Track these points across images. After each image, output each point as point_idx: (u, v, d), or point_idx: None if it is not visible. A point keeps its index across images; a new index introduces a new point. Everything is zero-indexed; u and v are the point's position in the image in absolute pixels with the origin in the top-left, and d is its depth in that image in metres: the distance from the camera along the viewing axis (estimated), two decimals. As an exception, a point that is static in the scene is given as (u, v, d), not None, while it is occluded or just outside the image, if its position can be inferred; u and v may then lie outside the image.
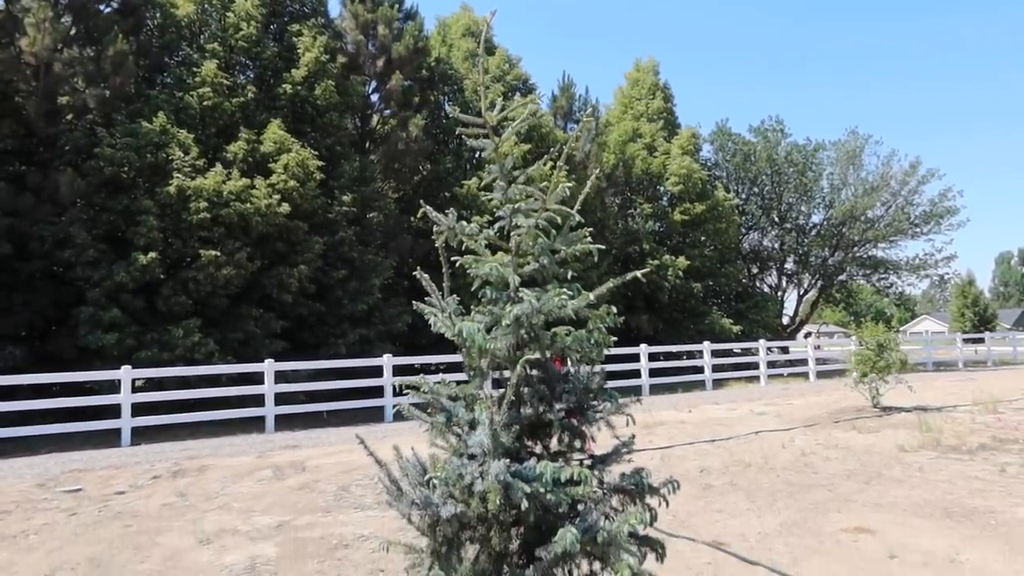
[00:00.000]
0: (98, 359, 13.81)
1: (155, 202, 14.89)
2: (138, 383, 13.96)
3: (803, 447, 9.70)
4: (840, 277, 34.47)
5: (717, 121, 40.78)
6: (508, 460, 3.52)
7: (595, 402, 4.20)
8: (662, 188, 27.92)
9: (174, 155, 15.39)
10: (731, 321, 25.63)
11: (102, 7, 17.08)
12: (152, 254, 14.33)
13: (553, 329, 4.09)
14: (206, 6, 18.87)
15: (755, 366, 22.58)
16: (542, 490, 3.40)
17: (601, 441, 4.24)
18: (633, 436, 4.21)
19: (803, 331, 39.34)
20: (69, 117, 16.04)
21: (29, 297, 14.58)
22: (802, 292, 35.50)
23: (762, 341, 22.82)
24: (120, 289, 14.12)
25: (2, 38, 15.83)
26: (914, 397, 14.22)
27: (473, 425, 3.84)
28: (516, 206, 4.39)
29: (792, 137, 33.78)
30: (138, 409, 12.67)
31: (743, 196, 33.24)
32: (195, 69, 17.21)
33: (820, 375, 23.61)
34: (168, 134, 15.57)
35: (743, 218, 32.57)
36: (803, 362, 24.79)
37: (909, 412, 12.84)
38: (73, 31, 16.35)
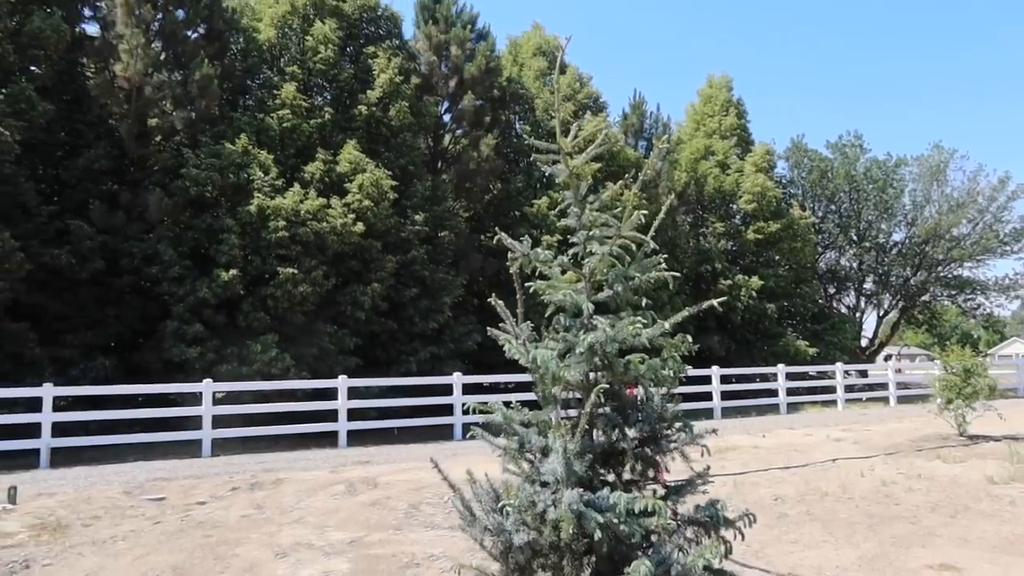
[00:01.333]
0: (181, 372, 14.37)
1: (236, 221, 15.46)
2: (218, 396, 14.46)
3: (884, 476, 9.31)
4: (923, 298, 33.12)
5: (792, 137, 39.85)
6: (581, 489, 3.50)
7: (669, 431, 4.14)
8: (735, 206, 27.41)
9: (255, 175, 15.96)
10: (806, 343, 24.89)
11: (190, 33, 17.93)
12: (233, 271, 14.86)
13: (627, 357, 4.05)
14: (286, 30, 19.57)
15: (832, 390, 21.86)
16: (615, 520, 3.36)
17: (675, 469, 4.17)
18: (708, 467, 4.12)
19: (883, 354, 37.86)
20: (158, 139, 16.84)
21: (119, 311, 15.31)
22: (882, 313, 34.23)
23: (839, 364, 22.10)
24: (203, 304, 14.68)
25: (98, 63, 16.80)
26: (1004, 425, 13.49)
27: (546, 452, 3.83)
28: (590, 232, 4.39)
29: (871, 152, 32.76)
30: (218, 421, 13.12)
31: (819, 214, 32.34)
32: (275, 92, 17.86)
33: (901, 400, 22.69)
34: (249, 155, 16.17)
35: (819, 237, 31.66)
36: (883, 386, 23.88)
37: (999, 441, 12.20)
38: (163, 56, 17.18)
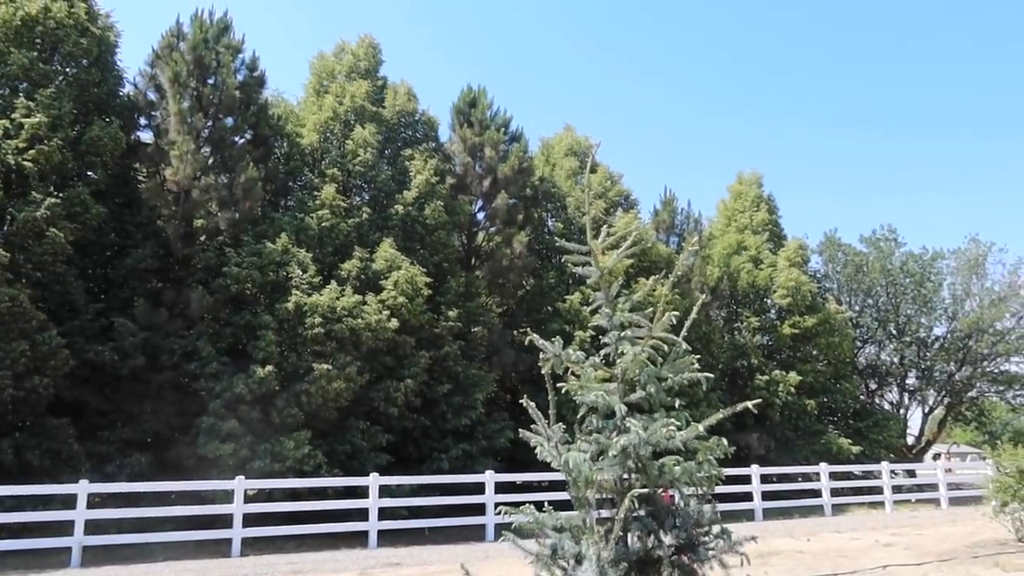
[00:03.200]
0: (215, 468, 14.37)
1: (274, 317, 15.77)
2: (250, 493, 14.37)
3: (939, 587, 8.83)
4: (969, 393, 32.05)
5: (825, 232, 39.87)
6: (616, 599, 3.40)
7: (707, 537, 4.03)
8: (769, 301, 27.24)
9: (293, 273, 16.38)
10: (849, 441, 24.10)
11: (237, 138, 18.87)
12: (269, 367, 15.04)
13: (661, 459, 4.00)
14: (328, 135, 20.48)
15: (879, 490, 21.02)
16: (652, 635, 3.24)
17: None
18: (748, 577, 3.98)
19: (930, 452, 36.41)
20: (202, 238, 17.47)
21: (157, 406, 15.51)
22: (927, 410, 33.11)
23: (885, 463, 21.32)
24: (239, 400, 14.81)
25: (150, 168, 17.70)
26: (1065, 531, 12.76)
27: (579, 559, 3.74)
28: (622, 333, 4.41)
29: (907, 246, 32.55)
30: (248, 519, 12.99)
31: (856, 308, 31.92)
32: (315, 193, 18.54)
33: (953, 502, 21.66)
34: (289, 253, 16.64)
35: (857, 331, 31.13)
36: (932, 487, 22.89)
37: (1061, 548, 11.53)
38: (211, 160, 18.06)
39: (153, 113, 18.33)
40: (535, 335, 4.48)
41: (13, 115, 15.01)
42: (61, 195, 15.14)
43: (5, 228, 14.94)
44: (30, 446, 13.77)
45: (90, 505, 12.06)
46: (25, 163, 14.69)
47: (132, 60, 46.04)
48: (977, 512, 14.09)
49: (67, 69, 16.81)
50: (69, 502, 12.02)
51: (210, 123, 18.01)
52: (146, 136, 18.56)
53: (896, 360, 32.00)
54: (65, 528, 11.81)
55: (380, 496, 14.04)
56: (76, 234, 15.02)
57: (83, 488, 11.95)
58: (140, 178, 17.87)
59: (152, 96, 18.34)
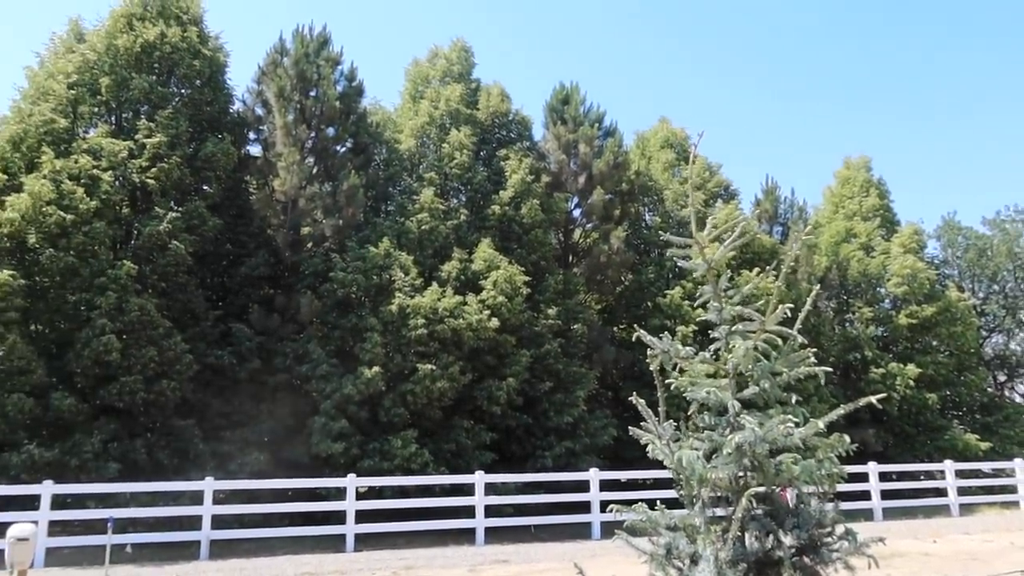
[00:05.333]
0: (327, 467, 14.93)
1: (379, 319, 16.22)
2: (361, 491, 14.84)
3: (1088, 594, 8.15)
4: (1114, 384, 29.53)
5: (943, 215, 37.53)
6: (736, 601, 3.30)
7: (829, 538, 3.86)
8: (883, 290, 25.87)
9: (396, 276, 16.80)
10: (976, 437, 22.57)
11: (339, 147, 19.58)
12: (376, 368, 15.49)
13: (778, 457, 3.86)
14: (425, 139, 20.89)
15: (1012, 489, 19.61)
16: (776, 639, 3.13)
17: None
18: (878, 581, 3.79)
19: (1070, 448, 33.73)
20: (309, 245, 18.18)
21: (272, 407, 16.26)
22: (1064, 402, 30.71)
23: (1019, 460, 19.88)
24: (348, 401, 15.31)
25: (259, 180, 18.58)
26: None
27: (695, 560, 3.65)
28: (732, 327, 4.28)
29: (1036, 226, 30.23)
30: (360, 516, 13.42)
31: (980, 295, 29.94)
32: (414, 196, 18.94)
33: (1100, 502, 19.95)
34: (391, 257, 17.08)
35: (983, 320, 29.18)
36: (1074, 485, 21.15)
37: None
38: (315, 170, 18.81)
39: (261, 127, 19.25)
40: (642, 331, 4.41)
41: (136, 136, 16.10)
42: (181, 209, 16.14)
43: (133, 242, 16.05)
44: (160, 445, 14.73)
45: (215, 501, 12.76)
46: (148, 180, 15.72)
47: (240, 78, 48.52)
48: None
49: (182, 90, 17.87)
50: (197, 498, 12.76)
51: (313, 134, 18.75)
52: (255, 150, 19.55)
53: (1027, 350, 29.80)
54: (194, 523, 12.55)
55: (486, 494, 14.21)
56: (195, 245, 15.96)
57: (209, 485, 12.67)
58: (251, 190, 18.84)
59: (259, 111, 19.26)
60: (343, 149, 19.71)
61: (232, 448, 15.39)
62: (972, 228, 30.73)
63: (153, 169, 15.79)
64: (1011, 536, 13.30)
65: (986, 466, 21.13)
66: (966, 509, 18.78)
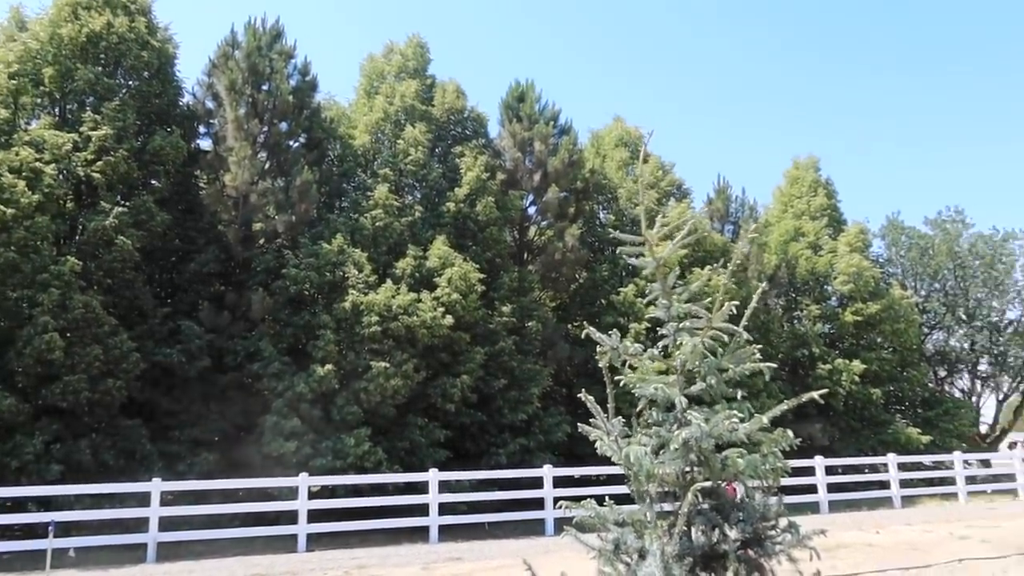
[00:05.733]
0: (279, 466, 14.73)
1: (332, 317, 16.06)
2: (313, 490, 14.70)
3: (1019, 581, 8.50)
4: (1048, 379, 30.70)
5: (887, 215, 38.59)
6: (681, 594, 3.36)
7: (773, 531, 3.96)
8: (830, 288, 26.55)
9: (349, 273, 16.65)
10: (918, 430, 23.33)
11: (292, 142, 19.29)
12: (329, 366, 15.33)
13: (724, 452, 3.94)
14: (380, 135, 20.73)
15: (951, 481, 20.35)
16: (719, 631, 3.20)
17: (780, 571, 3.95)
18: (818, 572, 3.89)
19: (1006, 441, 35.02)
20: (261, 242, 17.90)
21: (222, 406, 15.98)
22: (1001, 397, 31.86)
23: (958, 453, 20.62)
24: (300, 399, 15.14)
25: (210, 175, 18.22)
26: None
27: (643, 554, 3.71)
28: (680, 324, 4.35)
29: (975, 227, 31.27)
30: (313, 515, 13.29)
31: (923, 293, 30.86)
32: (369, 193, 18.79)
33: (1032, 492, 20.82)
34: (345, 254, 16.92)
35: (924, 317, 30.08)
36: (1009, 477, 22.04)
37: None
38: (267, 165, 18.50)
39: (211, 121, 18.86)
40: (591, 328, 4.45)
41: (81, 128, 15.63)
42: (128, 204, 15.74)
43: (77, 238, 15.60)
44: (106, 446, 14.35)
45: (163, 503, 12.51)
46: (94, 174, 15.29)
47: (190, 71, 47.49)
48: (1058, 503, 13.51)
49: (130, 82, 17.41)
50: (144, 500, 12.49)
51: (266, 128, 18.43)
52: (205, 144, 19.12)
53: (966, 346, 30.83)
54: (140, 525, 12.28)
55: (440, 491, 14.20)
56: (143, 241, 15.58)
57: (156, 486, 12.41)
58: (201, 185, 18.45)
59: (210, 105, 18.85)
60: (296, 144, 19.41)
61: (181, 448, 15.09)
62: (915, 228, 31.62)
63: (99, 162, 15.35)
64: (950, 527, 13.78)
65: (927, 459, 21.84)
66: (908, 501, 19.40)
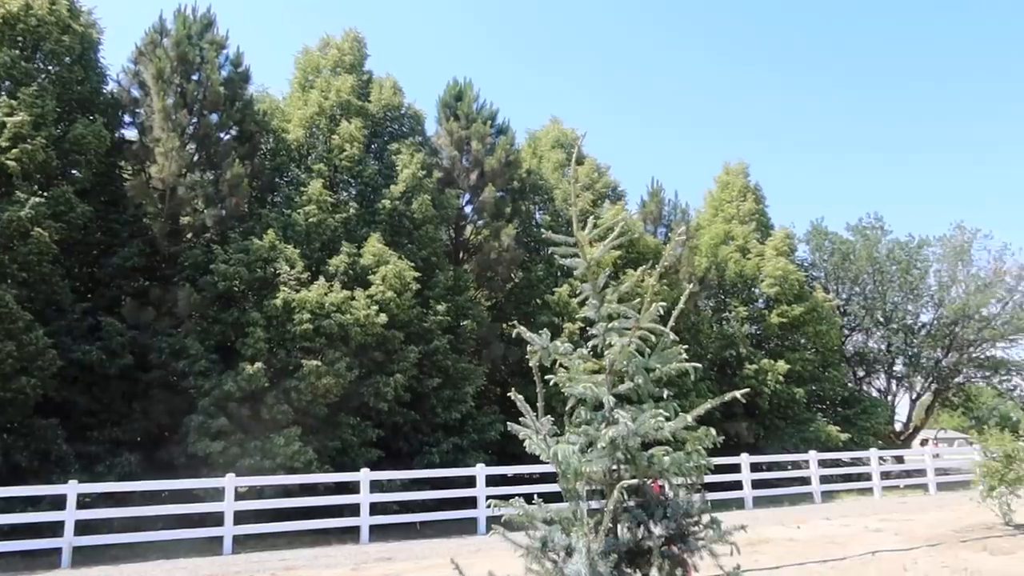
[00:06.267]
0: (205, 466, 14.34)
1: (262, 314, 15.72)
2: (240, 491, 14.35)
3: (927, 570, 8.92)
4: (956, 379, 32.34)
5: (812, 220, 39.99)
6: (606, 590, 3.42)
7: (696, 527, 4.06)
8: (757, 290, 27.38)
9: (281, 269, 16.33)
10: (838, 428, 24.28)
11: (222, 135, 18.75)
12: (258, 364, 15.00)
13: (651, 450, 4.02)
14: (314, 130, 20.39)
15: (867, 477, 21.22)
16: (642, 625, 3.27)
17: (703, 566, 4.05)
18: (738, 566, 4.00)
19: (918, 438, 36.73)
20: (189, 236, 17.39)
21: (146, 405, 15.45)
22: (914, 396, 33.40)
23: (873, 450, 21.51)
24: (228, 398, 14.76)
25: (135, 166, 17.58)
26: (1052, 515, 12.94)
27: (570, 552, 3.76)
28: (609, 324, 4.42)
29: (893, 234, 32.71)
30: (240, 517, 12.97)
31: (843, 296, 32.12)
32: (302, 188, 18.46)
33: (941, 487, 21.88)
34: (276, 250, 16.58)
35: (845, 319, 31.33)
36: (921, 472, 23.10)
37: (1048, 532, 11.68)
38: (196, 157, 17.96)
39: (137, 110, 18.19)
40: (522, 328, 4.48)
41: (-5, 114, 14.86)
42: (45, 194, 15.03)
43: (-11, 228, 14.82)
44: (18, 447, 13.69)
45: (80, 505, 12.02)
46: (8, 162, 14.54)
47: (115, 58, 45.73)
48: (965, 497, 14.24)
49: (49, 67, 16.66)
50: (59, 503, 11.97)
51: (195, 120, 17.88)
52: (130, 134, 18.42)
53: (883, 347, 32.23)
54: (55, 529, 11.77)
55: (371, 491, 14.05)
56: (61, 233, 14.91)
57: (72, 488, 11.89)
58: (125, 176, 17.75)
59: (136, 93, 18.18)
60: (227, 137, 18.89)
61: (100, 449, 14.53)
62: (837, 233, 32.87)
63: (14, 150, 14.60)
64: (865, 520, 14.36)
65: (846, 456, 22.71)
66: (828, 496, 20.14)
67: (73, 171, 16.32)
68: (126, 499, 13.17)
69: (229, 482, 12.93)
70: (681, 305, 4.59)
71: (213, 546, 12.60)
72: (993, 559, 9.59)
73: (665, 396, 4.35)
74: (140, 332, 15.68)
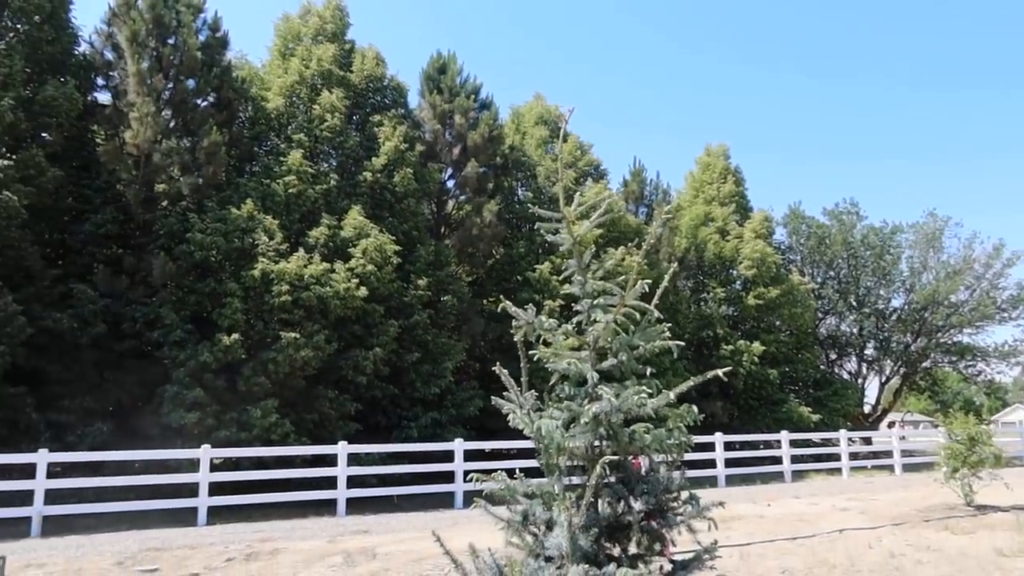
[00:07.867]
0: (179, 437, 14.22)
1: (240, 285, 15.53)
2: (216, 462, 14.26)
3: (892, 548, 9.10)
4: (924, 364, 32.97)
5: (790, 204, 40.36)
6: (587, 565, 3.43)
7: (675, 503, 4.09)
8: (735, 272, 27.60)
9: (260, 240, 16.11)
10: (809, 409, 24.68)
11: (200, 101, 18.33)
12: (235, 335, 14.84)
13: (632, 427, 4.03)
14: (294, 99, 20.04)
15: (836, 457, 21.60)
16: (624, 599, 3.28)
17: (680, 541, 4.09)
18: (715, 541, 4.04)
19: (886, 420, 37.47)
20: (164, 204, 17.06)
21: (119, 375, 15.25)
22: (884, 379, 34.01)
23: (843, 431, 21.88)
24: (204, 369, 14.61)
25: (108, 131, 17.15)
26: (1012, 495, 13.27)
27: (551, 526, 3.77)
28: (594, 301, 4.41)
29: (868, 220, 33.11)
30: (215, 488, 12.90)
31: (819, 280, 32.51)
32: (282, 158, 18.17)
33: (906, 468, 22.36)
34: (255, 220, 16.35)
35: (819, 302, 31.75)
36: (887, 454, 23.57)
37: (1007, 512, 11.98)
38: (172, 124, 17.56)
39: (111, 74, 17.70)
40: (508, 303, 4.45)
41: (-39, 73, 14.42)
42: (14, 157, 14.61)
43: (-43, 191, 14.44)
44: (-14, 415, 13.47)
45: (50, 475, 11.85)
46: (-25, 123, 14.14)
47: (88, 18, 44.58)
48: (929, 478, 14.54)
49: (18, 25, 16.13)
50: (28, 471, 11.80)
51: (171, 85, 17.48)
52: (104, 97, 17.94)
53: (855, 331, 32.74)
54: (24, 498, 11.61)
55: (349, 464, 14.03)
56: (31, 198, 14.54)
57: (42, 457, 11.73)
58: (98, 141, 17.30)
59: (109, 56, 17.69)
60: (204, 103, 18.47)
61: (72, 418, 14.32)
62: (814, 218, 33.20)
63: (-19, 110, 14.21)
64: (833, 499, 14.63)
65: (816, 436, 23.09)
66: (798, 475, 20.49)
67: (43, 134, 15.89)
68: (98, 469, 13.05)
69: (204, 453, 12.84)
70: (665, 284, 4.59)
71: (187, 517, 12.53)
72: (955, 538, 9.82)
73: (647, 374, 4.36)
74: (113, 301, 15.43)
